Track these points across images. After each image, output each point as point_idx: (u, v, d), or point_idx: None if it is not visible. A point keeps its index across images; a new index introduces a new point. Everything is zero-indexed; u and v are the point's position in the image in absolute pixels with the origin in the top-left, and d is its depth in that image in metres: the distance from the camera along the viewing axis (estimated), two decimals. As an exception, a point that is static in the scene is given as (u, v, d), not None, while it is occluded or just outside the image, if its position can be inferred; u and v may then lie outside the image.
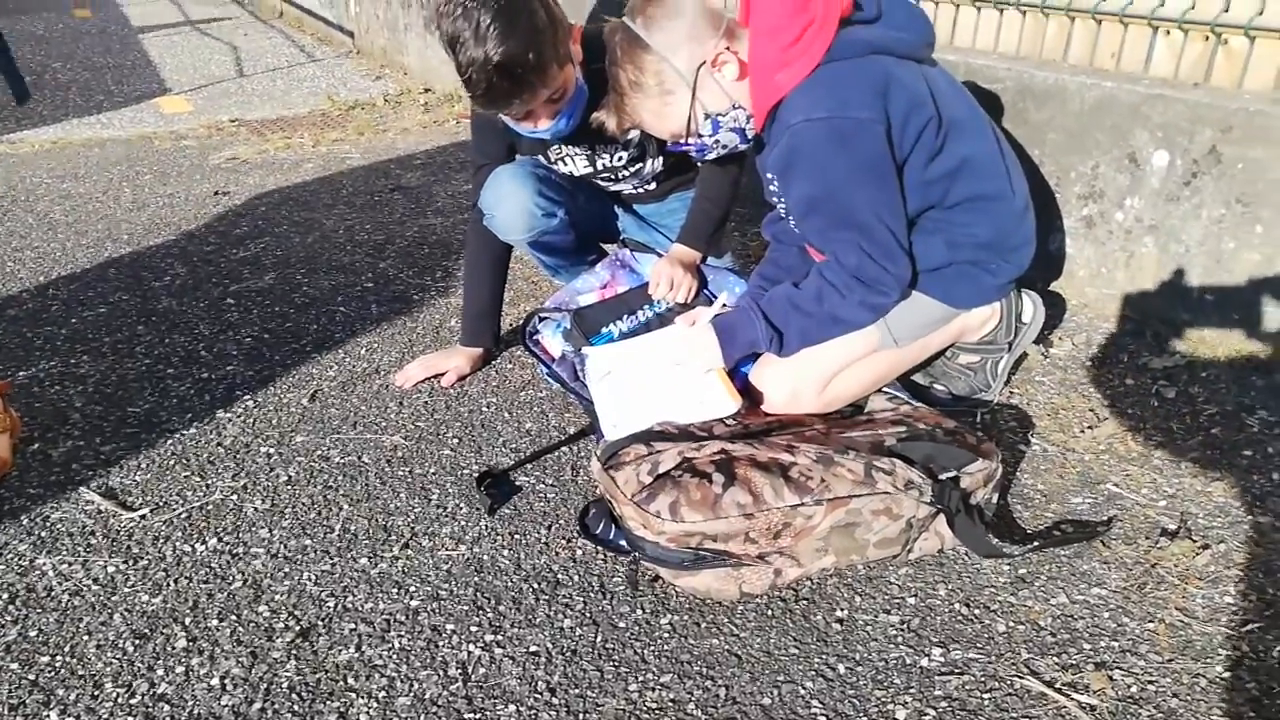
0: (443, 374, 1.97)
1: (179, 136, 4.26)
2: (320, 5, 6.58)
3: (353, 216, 3.09)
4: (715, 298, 1.83)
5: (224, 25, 7.21)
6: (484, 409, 1.88)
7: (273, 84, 5.36)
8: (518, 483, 1.64)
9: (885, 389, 1.63)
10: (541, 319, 1.93)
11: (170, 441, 1.81)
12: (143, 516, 1.58)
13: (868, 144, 1.38)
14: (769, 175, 1.52)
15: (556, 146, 1.88)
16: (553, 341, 1.84)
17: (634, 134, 1.84)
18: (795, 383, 1.54)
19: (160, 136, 4.26)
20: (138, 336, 2.27)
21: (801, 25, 1.37)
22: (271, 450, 1.76)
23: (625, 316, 1.81)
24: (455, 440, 1.77)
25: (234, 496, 1.63)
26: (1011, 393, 1.85)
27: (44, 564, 1.47)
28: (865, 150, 1.38)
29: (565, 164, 1.90)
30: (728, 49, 1.45)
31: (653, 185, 2.02)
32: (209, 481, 1.67)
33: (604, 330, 1.79)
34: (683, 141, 1.53)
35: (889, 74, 1.39)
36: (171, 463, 1.74)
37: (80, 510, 1.60)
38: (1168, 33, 2.00)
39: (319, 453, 1.75)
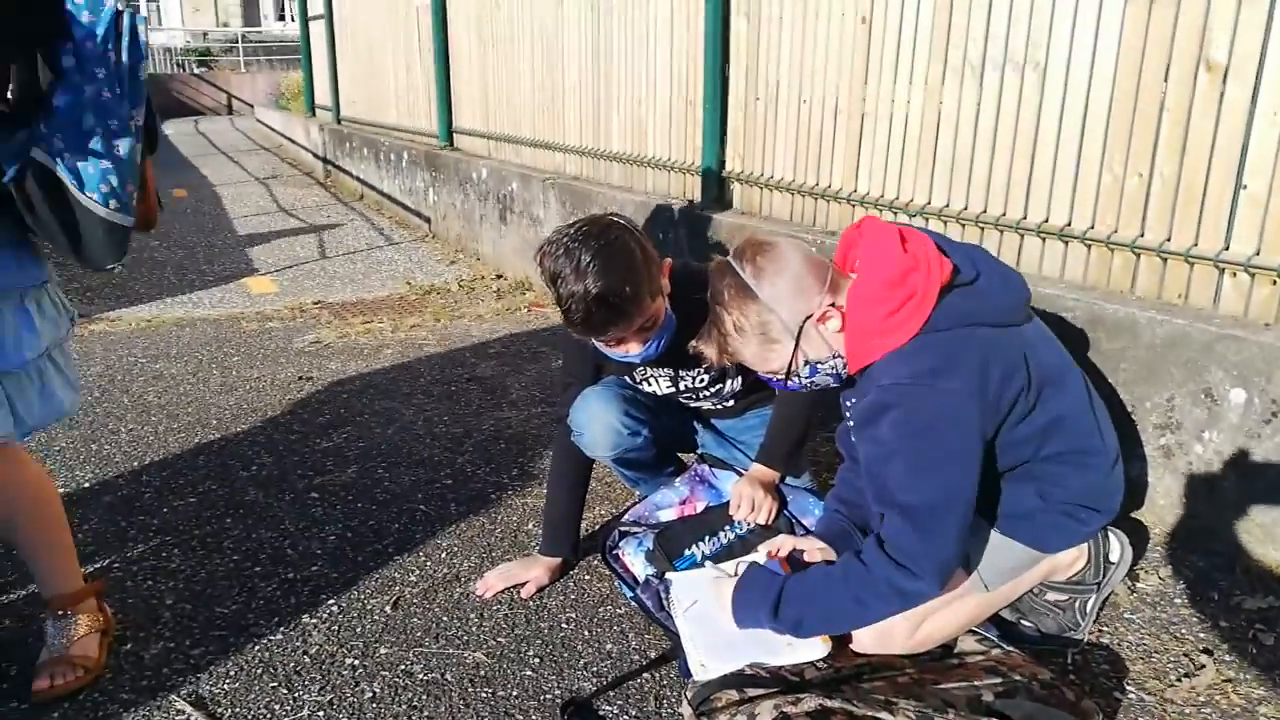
0: (522, 584, 1.99)
1: (265, 318, 4.50)
2: (400, 191, 7.04)
3: (431, 407, 3.21)
4: (796, 520, 1.85)
5: (308, 208, 7.71)
6: (564, 625, 1.89)
7: (353, 266, 5.68)
8: (601, 711, 1.63)
9: (975, 628, 1.62)
10: (622, 534, 1.97)
11: (258, 648, 1.84)
12: (231, 732, 1.59)
13: (956, 421, 1.41)
14: (848, 416, 1.58)
15: (641, 368, 1.98)
16: (635, 561, 1.87)
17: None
18: (886, 623, 1.54)
19: (247, 318, 4.51)
20: (226, 530, 2.34)
21: (902, 298, 1.44)
22: (356, 662, 1.78)
23: (707, 538, 1.84)
24: (536, 660, 1.78)
25: (321, 713, 1.63)
26: (1101, 631, 1.82)
27: (132, 781, 1.48)
28: (951, 428, 1.41)
29: (649, 384, 1.99)
30: (832, 305, 1.51)
31: (731, 402, 2.09)
32: (295, 694, 1.69)
33: (687, 553, 1.82)
34: (778, 380, 1.60)
35: (984, 346, 1.45)
36: (259, 671, 1.76)
37: (171, 719, 1.63)
38: (1234, 275, 2.08)
39: (402, 667, 1.76)
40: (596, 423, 1.89)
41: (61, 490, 2.51)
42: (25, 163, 1.47)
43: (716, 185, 3.69)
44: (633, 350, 1.76)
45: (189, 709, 1.65)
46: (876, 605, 1.45)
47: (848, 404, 1.58)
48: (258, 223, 7.12)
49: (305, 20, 9.99)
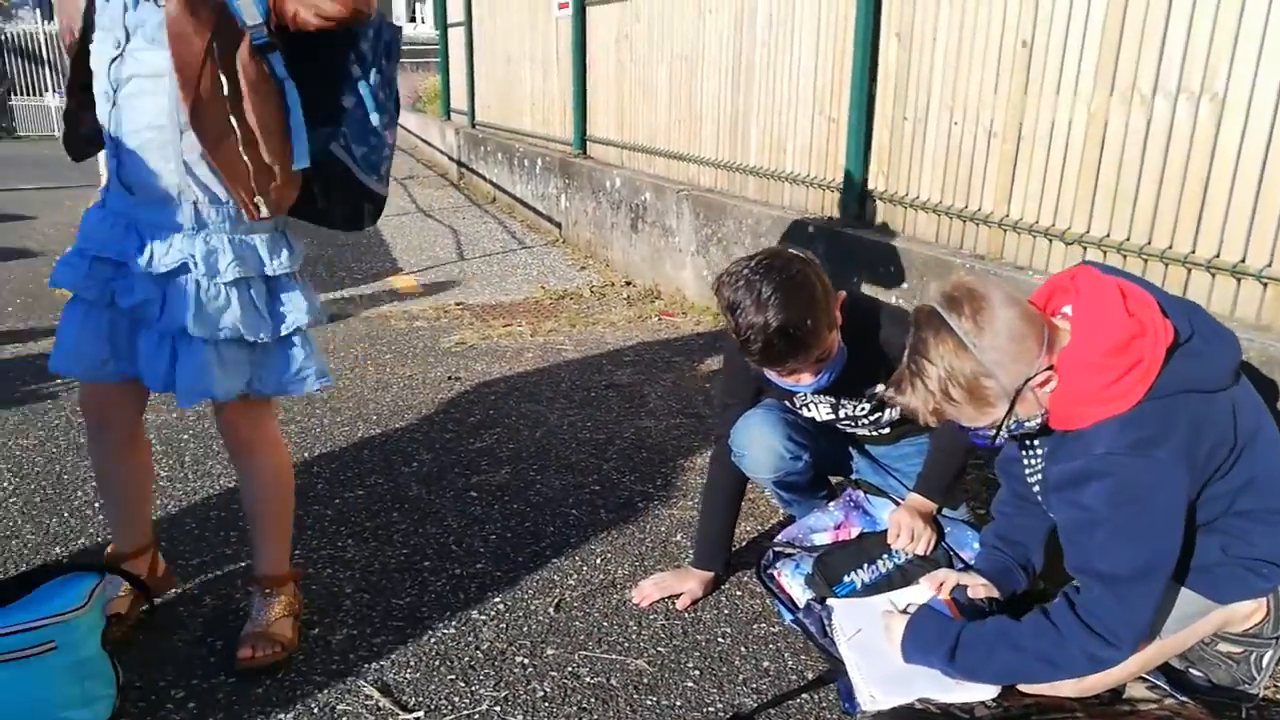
0: (677, 595, 2.07)
1: (412, 317, 4.73)
2: (532, 196, 7.26)
3: (574, 413, 3.33)
4: (954, 552, 1.87)
5: (444, 209, 8.03)
6: (720, 639, 1.96)
7: (489, 268, 5.89)
8: (762, 727, 1.69)
9: (1144, 675, 1.61)
10: (776, 554, 2.03)
11: (433, 640, 1.97)
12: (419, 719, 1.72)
13: (1167, 492, 1.39)
14: (1033, 461, 1.58)
15: (803, 394, 2.03)
16: (793, 584, 1.92)
17: (880, 388, 1.96)
18: (1055, 664, 1.55)
19: (395, 316, 4.75)
20: (394, 524, 2.50)
21: (1125, 366, 1.39)
22: (525, 661, 1.89)
23: (866, 566, 1.88)
24: (696, 673, 1.85)
25: (498, 709, 1.75)
26: (1277, 686, 1.78)
27: (333, 756, 1.63)
28: (1162, 499, 1.40)
29: (810, 409, 2.04)
30: (1049, 367, 1.45)
31: (887, 430, 2.12)
32: (473, 688, 1.81)
33: (846, 579, 1.86)
34: (975, 432, 1.55)
35: (1198, 413, 1.42)
36: (436, 663, 1.89)
37: (362, 704, 1.76)
38: None
39: (570, 669, 1.86)
40: (759, 446, 1.96)
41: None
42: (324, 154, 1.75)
43: (858, 203, 3.69)
44: (804, 381, 1.81)
45: (376, 695, 1.79)
46: (1066, 668, 1.45)
47: (1036, 451, 1.58)
48: (399, 222, 7.45)
49: (444, 27, 10.37)
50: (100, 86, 1.67)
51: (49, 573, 1.73)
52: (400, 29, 1.86)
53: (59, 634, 1.60)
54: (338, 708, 1.75)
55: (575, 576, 2.22)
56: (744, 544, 2.33)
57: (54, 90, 28.82)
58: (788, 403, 2.05)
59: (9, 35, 28.71)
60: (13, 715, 1.58)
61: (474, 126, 9.38)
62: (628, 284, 5.40)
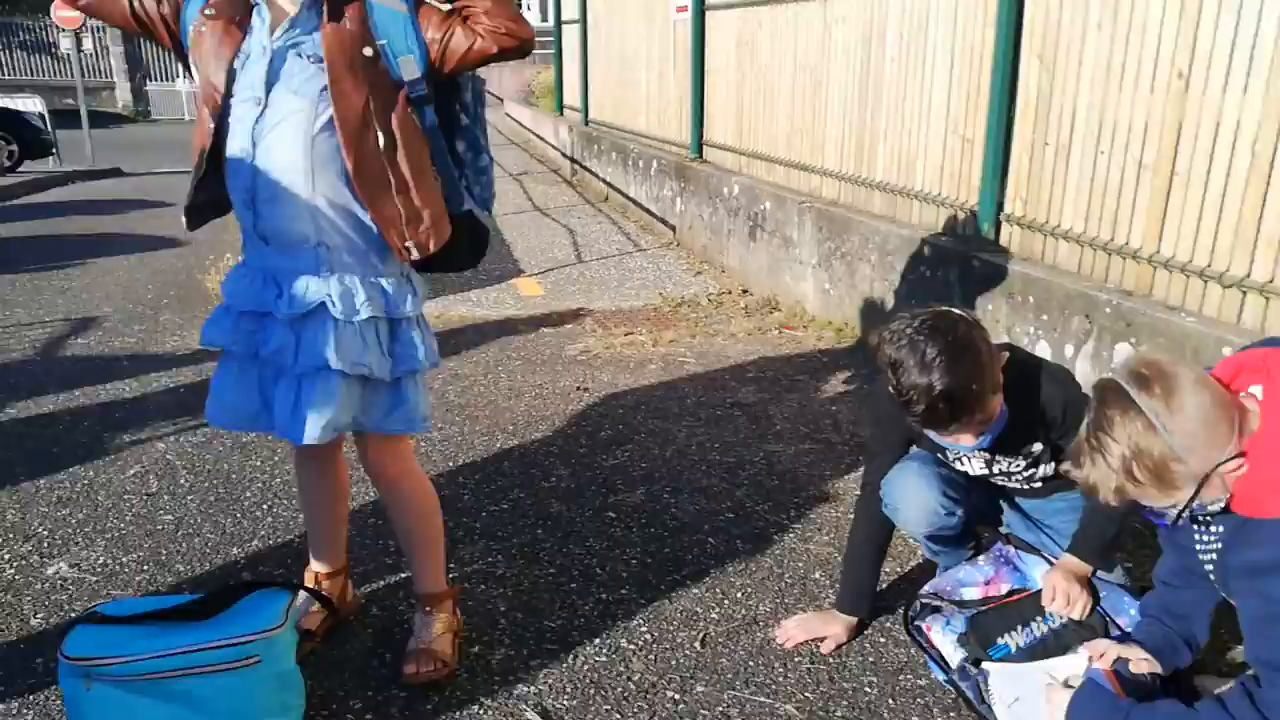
0: (822, 639, 2.12)
1: (537, 322, 4.87)
2: (647, 198, 7.34)
3: (701, 432, 3.40)
4: (1110, 618, 1.87)
5: (559, 208, 8.18)
6: (866, 689, 2.00)
7: (607, 272, 6.01)
8: (911, 779, 1.74)
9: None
10: (924, 605, 2.05)
11: (586, 667, 2.07)
12: (580, 747, 1.83)
13: None
14: (1207, 538, 1.57)
15: (958, 450, 2.04)
16: (944, 641, 1.95)
17: (1036, 446, 1.97)
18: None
19: (521, 320, 4.90)
20: (539, 541, 2.62)
21: None
22: (676, 696, 1.98)
23: (1020, 628, 1.89)
24: (845, 720, 1.91)
25: (654, 742, 1.84)
26: None
27: (503, 778, 1.74)
28: None
29: (963, 464, 2.06)
30: (1241, 453, 1.41)
31: (1040, 484, 2.12)
32: None
33: (1000, 641, 1.88)
34: (1151, 511, 1.53)
35: None
36: (591, 691, 1.99)
37: (526, 728, 1.88)
38: None
39: (719, 709, 1.94)
40: (914, 502, 1.98)
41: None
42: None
43: (993, 227, 3.64)
44: (964, 441, 1.83)
45: (538, 719, 1.90)
46: None
47: (1212, 529, 1.56)
48: (518, 221, 7.64)
49: (559, 23, 10.52)
50: (238, 145, 1.77)
51: (250, 588, 1.90)
52: (484, 79, 2.03)
53: (262, 649, 1.75)
54: (504, 730, 1.87)
55: (718, 610, 2.29)
56: (884, 585, 2.36)
57: (184, 77, 30.23)
58: (940, 455, 2.07)
59: (144, 22, 30.14)
60: (222, 721, 1.75)
61: (587, 124, 9.51)
62: (745, 292, 5.43)
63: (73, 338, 4.59)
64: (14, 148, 13.38)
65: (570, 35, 10.07)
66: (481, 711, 1.93)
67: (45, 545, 2.58)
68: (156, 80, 29.78)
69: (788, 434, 3.39)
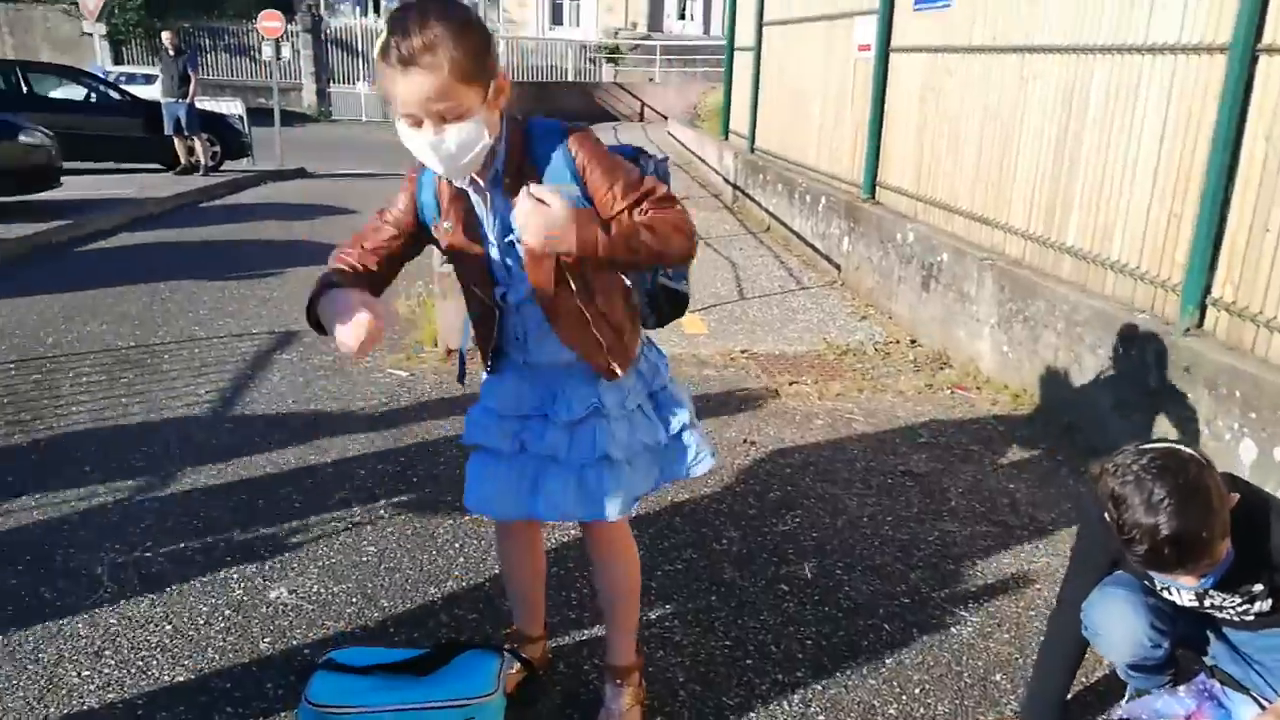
0: (1007, 751, 2.10)
1: (701, 363, 4.95)
2: (811, 234, 7.31)
3: (872, 502, 3.38)
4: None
5: (720, 237, 8.25)
6: (1052, 808, 1.98)
7: (770, 311, 6.03)
8: None
9: None
10: (1116, 728, 2.00)
11: (767, 753, 2.13)
12: (763, 841, 1.88)
13: None
14: None
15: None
16: (1142, 773, 1.90)
17: (1258, 587, 1.88)
18: None
19: (686, 360, 4.98)
20: (713, 609, 2.69)
21: None
22: (857, 796, 2.00)
23: (1227, 771, 1.82)
24: (1032, 844, 1.88)
25: (837, 846, 1.88)
26: None
27: None
28: None
29: (1171, 593, 1.99)
30: None
31: (1252, 618, 2.02)
32: (810, 817, 1.95)
33: (1204, 784, 1.82)
34: None
35: None
36: (772, 779, 2.05)
37: (710, 813, 1.95)
38: None
39: (902, 814, 1.95)
40: (1120, 632, 1.94)
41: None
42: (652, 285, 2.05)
43: (1197, 309, 3.46)
44: (1184, 582, 1.78)
45: (722, 803, 1.97)
46: None
47: None
48: (679, 250, 7.76)
49: (731, 49, 10.61)
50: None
51: (461, 648, 2.05)
52: (667, 158, 2.11)
53: (477, 712, 1.89)
54: (689, 812, 1.95)
55: (895, 707, 2.29)
56: (1070, 696, 2.30)
57: (364, 79, 32.16)
58: (1148, 582, 2.01)
59: (331, 29, 32.31)
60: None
61: (753, 152, 9.54)
62: (913, 343, 5.34)
63: (277, 352, 4.99)
64: (218, 149, 14.58)
65: (742, 62, 10.13)
66: (665, 788, 2.01)
67: (267, 568, 2.84)
68: (339, 83, 31.79)
69: (963, 511, 3.33)
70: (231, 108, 17.09)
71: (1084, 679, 2.40)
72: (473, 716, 1.88)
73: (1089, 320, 3.89)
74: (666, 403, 2.06)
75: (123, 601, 2.63)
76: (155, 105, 14.09)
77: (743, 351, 5.17)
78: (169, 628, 2.53)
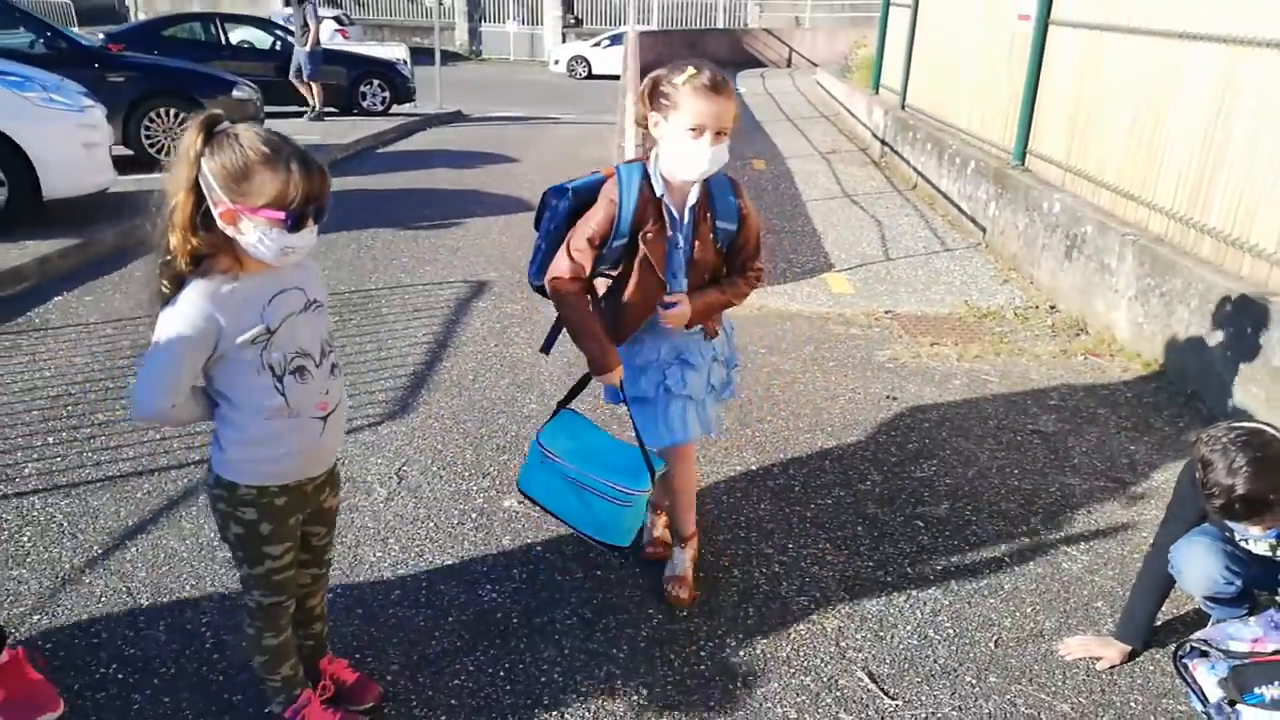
0: (1098, 658, 2.61)
1: (847, 322, 5.44)
2: (958, 195, 7.57)
3: (1001, 456, 3.85)
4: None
5: (867, 194, 8.59)
6: (1132, 704, 2.48)
7: (914, 273, 6.42)
8: (1164, 786, 2.23)
9: None
10: (1192, 648, 2.48)
11: (900, 646, 2.70)
12: (896, 706, 2.48)
13: None
14: None
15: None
16: (1208, 680, 2.38)
17: (1325, 541, 2.31)
18: None
19: (832, 319, 5.48)
20: (859, 537, 3.26)
21: None
22: (973, 681, 2.56)
23: (1277, 683, 2.28)
24: (1112, 727, 2.42)
25: (955, 713, 2.45)
26: None
27: None
28: None
29: (1249, 543, 2.43)
30: None
31: (1315, 566, 2.45)
32: (935, 694, 2.52)
33: (1257, 690, 2.28)
34: None
35: None
36: (905, 665, 2.62)
37: (855, 684, 2.55)
38: None
39: (1008, 697, 2.50)
40: (1197, 569, 2.41)
41: (728, 471, 3.64)
42: None
43: (1328, 294, 3.72)
44: (1253, 532, 2.24)
45: (867, 680, 2.56)
46: None
47: None
48: (826, 209, 8.16)
49: (887, 4, 10.70)
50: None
51: (640, 454, 2.71)
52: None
53: (635, 500, 2.59)
54: (839, 682, 2.56)
55: (1010, 620, 2.83)
56: (1158, 624, 2.77)
57: (513, 18, 32.97)
58: (1227, 533, 2.46)
59: (482, -33, 33.05)
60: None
61: (904, 109, 9.72)
62: (1052, 309, 5.66)
63: (474, 300, 5.77)
64: (387, 94, 15.64)
65: (898, 18, 10.24)
66: (822, 666, 2.63)
67: (498, 483, 3.58)
68: (490, 22, 32.75)
69: (1084, 468, 3.76)
70: (397, 53, 18.15)
71: (1174, 611, 2.87)
72: (631, 501, 2.57)
73: (1222, 299, 4.17)
74: (732, 368, 2.90)
75: (394, 503, 3.42)
76: (334, 52, 15.28)
77: (886, 312, 5.62)
78: (431, 525, 3.29)
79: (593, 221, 2.53)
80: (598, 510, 2.60)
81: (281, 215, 1.78)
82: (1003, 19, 7.20)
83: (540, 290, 2.71)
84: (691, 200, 2.52)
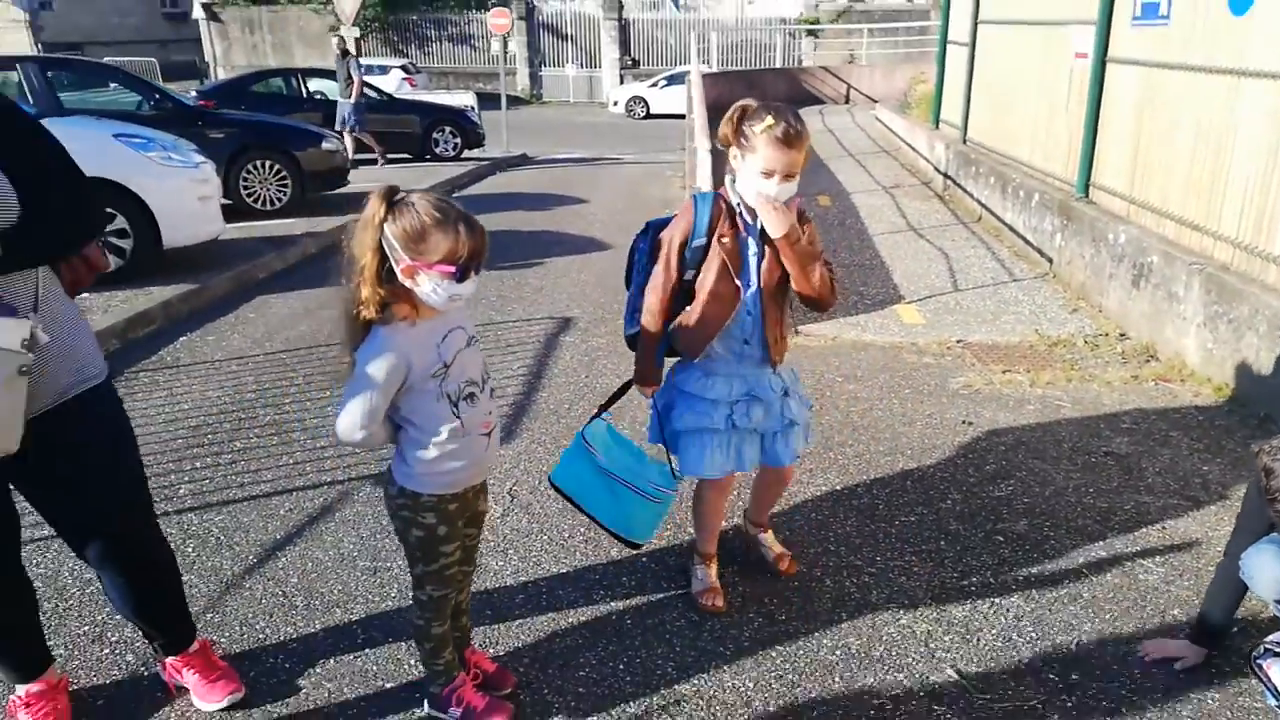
0: (1178, 659, 2.79)
1: (920, 351, 5.66)
2: (1024, 227, 7.74)
3: (1076, 476, 4.04)
4: None
5: (932, 228, 8.79)
6: (1209, 701, 2.66)
7: (982, 303, 6.61)
8: (1242, 772, 2.41)
9: None
10: (1266, 650, 2.65)
11: (985, 646, 2.91)
12: (985, 700, 2.69)
13: None
14: None
15: (1310, 532, 2.61)
16: (1281, 677, 2.56)
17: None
18: None
19: (905, 349, 5.71)
20: (942, 551, 3.48)
21: None
22: (1056, 679, 2.76)
23: (1353, 682, 2.45)
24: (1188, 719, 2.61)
25: (1040, 707, 2.66)
26: None
27: None
28: None
29: (1316, 548, 2.62)
30: None
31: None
32: (1021, 689, 2.73)
33: (1333, 688, 2.46)
34: None
35: None
36: (991, 664, 2.83)
37: (944, 679, 2.78)
38: None
39: (1090, 692, 2.70)
40: (1267, 574, 2.59)
41: (813, 491, 3.89)
42: None
43: (1394, 318, 3.86)
44: None
45: (956, 677, 2.79)
46: None
47: None
48: (893, 243, 8.39)
49: (943, 44, 10.96)
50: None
51: (671, 466, 2.98)
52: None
53: (665, 498, 2.93)
54: (930, 678, 2.78)
55: (1090, 624, 3.02)
56: (1235, 630, 2.94)
57: (572, 61, 33.93)
58: (1293, 539, 2.64)
59: (544, 14, 34.20)
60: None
61: (965, 143, 9.93)
62: (1122, 336, 5.80)
63: (561, 335, 6.13)
64: (458, 140, 16.32)
65: (956, 55, 10.49)
66: (913, 665, 2.85)
67: (602, 500, 3.87)
68: (549, 66, 33.74)
69: (1158, 487, 3.93)
70: (465, 100, 18.90)
71: (1248, 617, 3.03)
72: (661, 498, 2.89)
73: (1291, 324, 4.32)
74: (806, 401, 3.16)
75: (510, 518, 3.74)
76: (408, 101, 16.09)
77: (958, 341, 5.82)
78: (544, 537, 3.60)
79: (674, 230, 2.90)
80: (626, 503, 2.93)
81: (452, 269, 2.12)
82: (1061, 56, 7.41)
83: (632, 342, 3.07)
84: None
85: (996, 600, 3.17)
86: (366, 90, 16.66)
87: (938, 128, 11.35)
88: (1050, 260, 7.17)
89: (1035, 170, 7.93)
